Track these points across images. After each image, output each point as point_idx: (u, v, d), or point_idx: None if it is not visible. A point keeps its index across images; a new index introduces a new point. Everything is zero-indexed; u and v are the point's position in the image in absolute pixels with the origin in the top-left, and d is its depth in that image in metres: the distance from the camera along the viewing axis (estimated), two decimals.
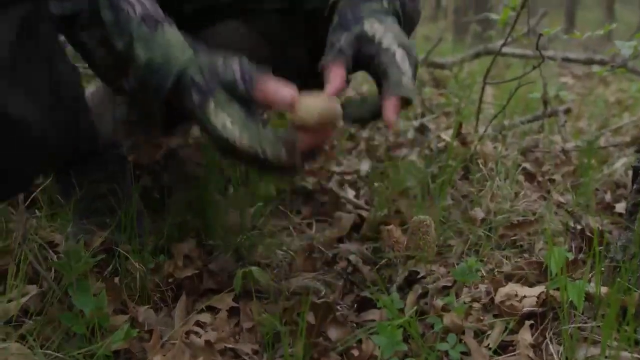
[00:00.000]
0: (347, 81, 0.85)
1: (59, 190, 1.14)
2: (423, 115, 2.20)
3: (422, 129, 1.88)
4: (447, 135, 1.82)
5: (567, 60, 2.86)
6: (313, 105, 0.76)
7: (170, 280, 0.97)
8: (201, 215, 1.10)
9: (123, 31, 0.81)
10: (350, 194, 1.43)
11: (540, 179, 1.46)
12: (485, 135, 1.61)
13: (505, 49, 2.92)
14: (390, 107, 0.80)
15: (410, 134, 1.86)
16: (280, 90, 0.77)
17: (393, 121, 0.80)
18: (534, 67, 1.51)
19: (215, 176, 1.24)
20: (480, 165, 1.39)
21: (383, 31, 0.86)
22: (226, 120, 0.77)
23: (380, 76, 0.84)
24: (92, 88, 1.42)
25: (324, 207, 1.35)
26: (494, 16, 1.56)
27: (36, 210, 1.14)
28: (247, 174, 1.35)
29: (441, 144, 1.71)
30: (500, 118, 2.01)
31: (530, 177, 1.47)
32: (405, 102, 0.82)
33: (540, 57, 1.48)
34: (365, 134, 1.87)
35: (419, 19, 1.15)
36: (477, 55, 3.03)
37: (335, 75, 0.83)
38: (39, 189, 1.14)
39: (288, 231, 1.15)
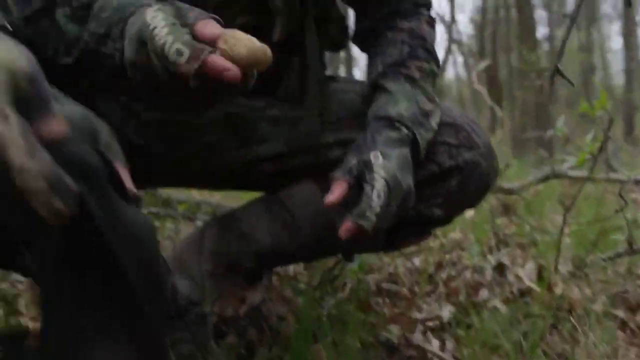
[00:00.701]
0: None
1: None
2: (497, 248, 2.18)
3: (500, 268, 1.85)
4: (526, 276, 1.79)
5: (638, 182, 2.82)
6: (242, 39, 0.73)
7: None
8: None
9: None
10: (435, 345, 1.40)
11: (632, 326, 1.41)
12: (568, 276, 1.58)
13: (575, 173, 2.91)
14: (344, 228, 0.96)
15: (489, 274, 1.83)
16: (209, 24, 0.74)
17: (341, 237, 0.97)
18: (617, 211, 1.49)
19: (303, 331, 1.24)
20: (571, 315, 1.36)
21: (381, 164, 0.99)
22: (159, 19, 0.74)
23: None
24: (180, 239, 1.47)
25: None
26: (571, 159, 1.57)
27: None
28: (332, 325, 1.35)
29: (523, 286, 1.68)
30: (580, 251, 1.97)
31: (622, 325, 1.42)
32: (362, 230, 0.96)
33: (623, 201, 1.47)
34: (443, 273, 1.86)
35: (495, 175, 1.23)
36: (546, 179, 3.02)
37: (337, 188, 0.99)
38: None
39: None
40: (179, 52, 0.71)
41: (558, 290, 1.51)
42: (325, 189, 1.24)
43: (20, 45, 0.57)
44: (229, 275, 1.40)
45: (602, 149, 1.48)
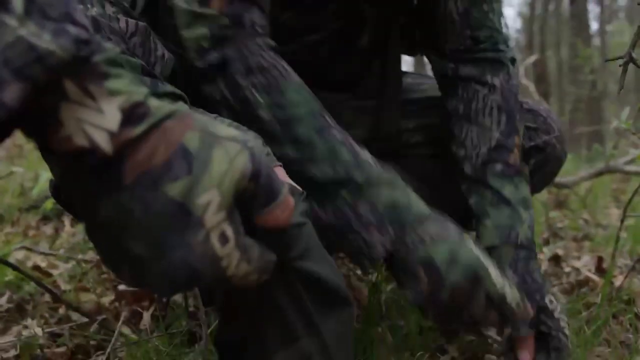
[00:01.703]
0: None
1: None
2: (552, 241, 2.18)
3: (556, 259, 1.85)
4: (583, 265, 1.79)
5: None
6: None
7: None
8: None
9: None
10: (492, 331, 1.41)
11: None
12: (626, 269, 1.57)
13: (630, 167, 2.86)
14: None
15: (544, 265, 1.83)
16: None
17: None
18: None
19: (367, 314, 1.27)
20: (633, 306, 1.36)
21: (558, 311, 1.02)
22: (489, 262, 0.91)
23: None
24: None
25: (470, 345, 1.34)
26: (634, 152, 1.56)
27: None
28: (390, 310, 1.37)
29: (580, 277, 1.68)
30: (637, 245, 1.95)
31: None
32: None
33: None
34: None
35: (565, 159, 1.28)
36: (600, 174, 2.98)
37: (528, 349, 1.00)
38: None
39: None
40: (518, 306, 0.88)
41: (617, 281, 1.50)
42: (406, 167, 1.28)
43: (236, 131, 0.53)
44: None
45: None
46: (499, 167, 1.13)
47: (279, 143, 0.93)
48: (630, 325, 1.33)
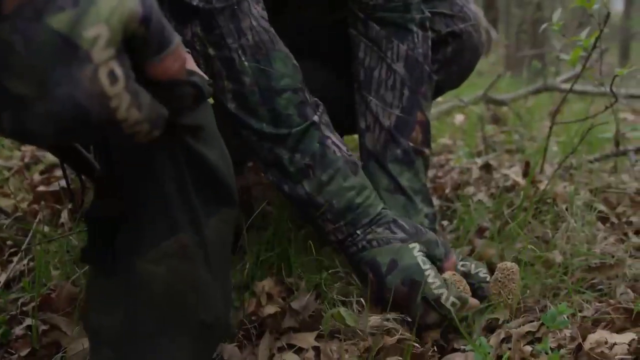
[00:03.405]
0: None
1: None
2: (485, 153, 2.20)
3: (487, 167, 1.87)
4: (513, 173, 1.82)
5: (631, 97, 2.82)
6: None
7: (253, 317, 0.98)
8: (280, 254, 1.12)
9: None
10: None
11: (615, 220, 1.44)
12: (555, 175, 1.59)
13: (566, 86, 2.90)
14: None
15: (475, 173, 1.85)
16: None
17: None
18: (607, 108, 1.49)
19: (289, 214, 1.26)
20: (555, 207, 1.38)
21: (474, 266, 1.07)
22: (428, 265, 0.99)
23: None
24: None
25: None
26: (564, 56, 1.55)
27: None
28: None
29: (508, 183, 1.70)
30: (565, 155, 1.99)
31: (604, 218, 1.44)
32: None
33: (613, 96, 1.47)
34: (430, 173, 1.87)
35: (483, 49, 1.31)
36: (538, 92, 3.02)
37: None
38: None
39: None
40: (454, 304, 0.95)
41: (542, 185, 1.53)
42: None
43: None
44: None
45: (596, 46, 1.46)
46: (398, 152, 1.12)
47: (254, 111, 0.95)
48: (552, 224, 1.36)
